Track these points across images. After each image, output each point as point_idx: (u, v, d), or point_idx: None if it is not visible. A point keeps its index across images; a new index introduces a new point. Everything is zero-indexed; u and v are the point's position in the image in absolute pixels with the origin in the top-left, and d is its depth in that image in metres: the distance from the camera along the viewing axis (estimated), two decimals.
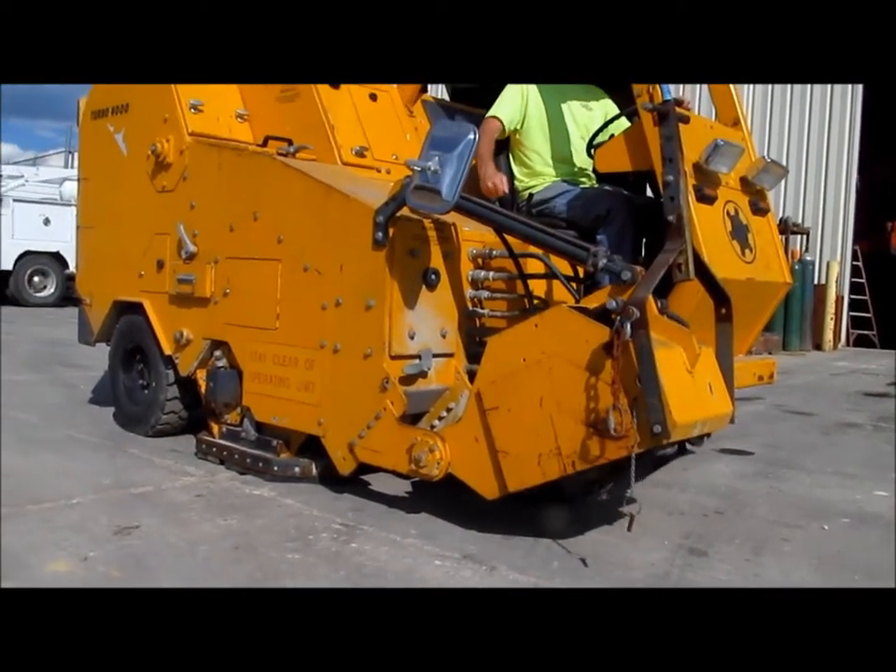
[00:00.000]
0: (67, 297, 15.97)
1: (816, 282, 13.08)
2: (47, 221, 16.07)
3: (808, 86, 13.47)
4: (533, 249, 3.17)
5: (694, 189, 3.21)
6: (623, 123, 3.81)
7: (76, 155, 20.60)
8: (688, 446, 2.95)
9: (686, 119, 3.03)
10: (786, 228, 12.14)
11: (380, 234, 3.04)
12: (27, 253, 15.83)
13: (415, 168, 2.88)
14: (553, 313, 2.80)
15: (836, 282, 13.38)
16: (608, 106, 4.18)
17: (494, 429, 2.82)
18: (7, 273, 15.65)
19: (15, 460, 3.76)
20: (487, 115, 4.04)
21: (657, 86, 3.09)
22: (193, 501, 3.27)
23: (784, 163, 3.80)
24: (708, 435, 2.92)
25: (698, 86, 10.38)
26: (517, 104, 3.99)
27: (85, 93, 4.80)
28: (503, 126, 3.99)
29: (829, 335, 13.31)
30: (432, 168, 2.82)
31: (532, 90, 4.02)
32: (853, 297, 13.92)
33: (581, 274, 3.30)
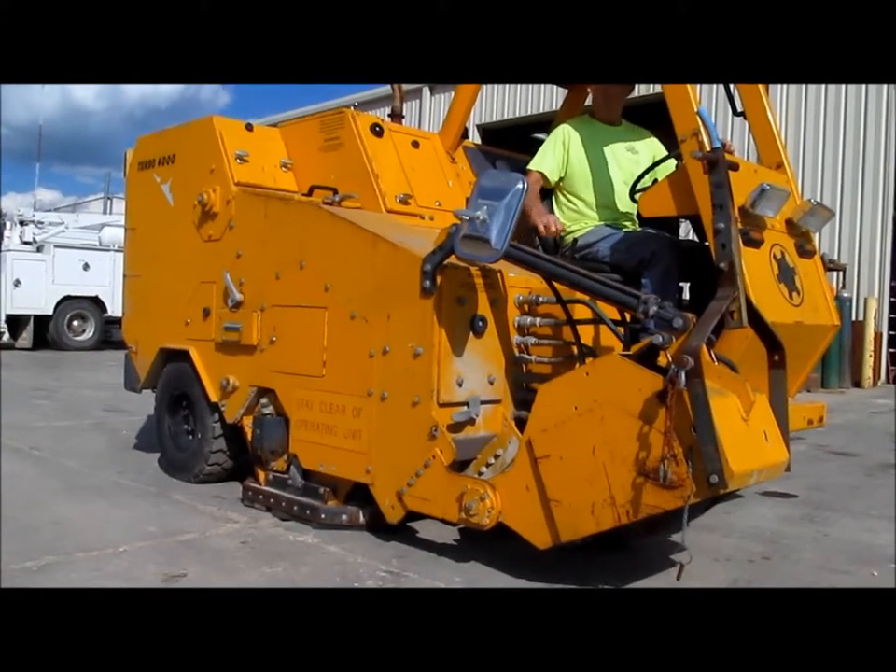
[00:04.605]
0: (106, 340, 16.25)
1: (853, 319, 12.91)
2: (86, 266, 16.38)
3: (841, 119, 13.42)
4: (580, 295, 3.17)
5: (741, 233, 3.20)
6: (666, 165, 3.82)
7: (114, 200, 21.04)
8: None
9: (736, 167, 3.03)
10: (822, 264, 12.01)
11: (427, 283, 3.06)
12: (67, 298, 16.13)
13: (464, 217, 2.89)
14: (604, 361, 2.79)
15: (874, 318, 13.19)
16: (654, 146, 4.19)
17: (545, 478, 2.79)
18: (48, 317, 15.95)
19: (63, 507, 3.81)
20: (529, 167, 4.09)
21: (706, 131, 3.10)
22: (238, 549, 3.27)
23: (819, 199, 3.79)
24: None
25: (729, 127, 10.38)
26: (559, 155, 4.05)
27: (127, 142, 4.93)
28: (545, 179, 4.04)
29: (868, 372, 13.09)
30: (481, 217, 2.83)
31: (574, 137, 4.06)
32: (892, 333, 13.71)
33: (629, 319, 3.28)
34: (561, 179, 4.06)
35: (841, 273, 13.28)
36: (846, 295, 12.70)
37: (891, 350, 13.82)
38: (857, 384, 12.95)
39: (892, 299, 13.61)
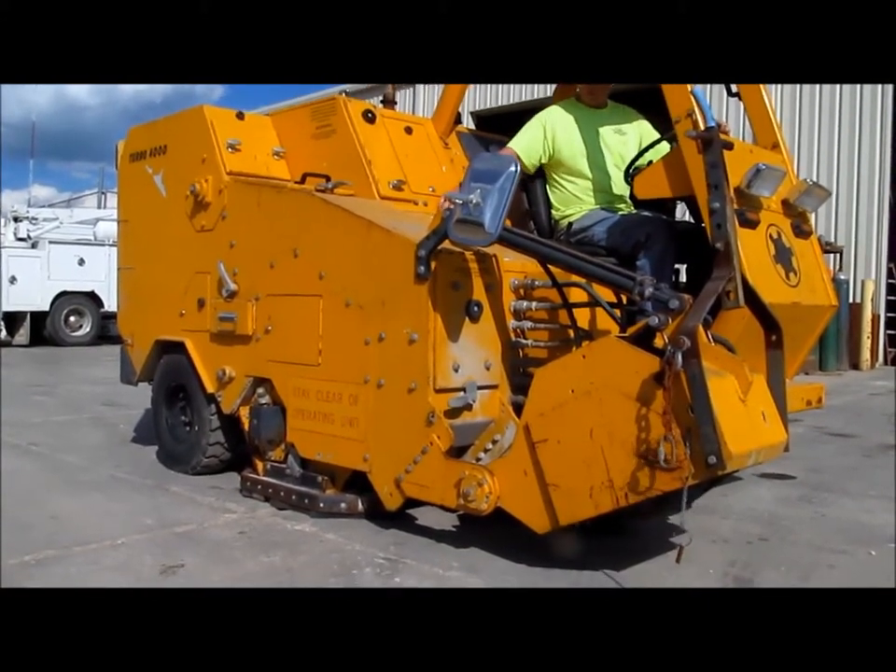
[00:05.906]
0: (103, 335, 16.22)
1: (851, 301, 12.91)
2: (81, 261, 16.34)
3: (837, 102, 13.39)
4: (575, 278, 3.15)
5: (737, 214, 3.18)
6: (661, 146, 3.80)
7: (108, 195, 21.03)
8: None
9: (730, 146, 3.01)
10: (819, 245, 11.97)
11: (422, 268, 3.04)
12: (63, 293, 16.11)
13: (457, 201, 2.87)
14: (601, 343, 2.77)
15: (872, 300, 13.18)
16: (642, 128, 4.16)
17: (543, 462, 2.78)
18: (44, 313, 15.92)
19: (61, 502, 3.80)
20: (509, 143, 4.05)
21: (700, 111, 3.08)
22: (236, 539, 3.27)
23: (815, 180, 3.78)
24: None
25: (724, 108, 10.34)
26: (538, 141, 4.00)
27: (122, 136, 4.89)
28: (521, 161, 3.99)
29: (866, 354, 13.09)
30: (474, 201, 2.81)
31: (557, 122, 4.01)
32: (889, 315, 13.71)
33: (625, 301, 3.27)
34: (549, 164, 4.03)
35: (838, 255, 13.28)
36: (843, 277, 12.68)
37: (889, 332, 13.82)
38: (855, 366, 12.96)
39: (889, 281, 13.59)
